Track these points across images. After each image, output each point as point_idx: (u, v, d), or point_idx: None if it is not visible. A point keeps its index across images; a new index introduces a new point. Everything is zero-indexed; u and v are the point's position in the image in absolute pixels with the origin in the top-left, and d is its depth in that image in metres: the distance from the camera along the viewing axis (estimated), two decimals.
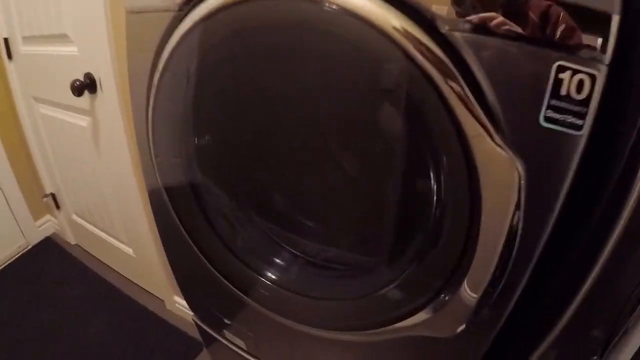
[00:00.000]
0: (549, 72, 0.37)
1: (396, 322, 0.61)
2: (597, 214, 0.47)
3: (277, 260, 0.76)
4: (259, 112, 0.65)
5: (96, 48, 1.02)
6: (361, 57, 0.46)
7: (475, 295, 0.53)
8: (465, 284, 0.54)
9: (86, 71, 1.09)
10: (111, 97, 1.07)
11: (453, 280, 0.53)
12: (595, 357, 0.51)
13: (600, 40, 0.36)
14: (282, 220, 0.76)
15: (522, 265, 0.49)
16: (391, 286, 0.59)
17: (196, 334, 1.42)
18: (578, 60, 0.36)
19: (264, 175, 0.74)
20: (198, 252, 0.80)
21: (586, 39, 0.36)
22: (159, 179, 0.75)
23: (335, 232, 0.72)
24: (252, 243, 0.78)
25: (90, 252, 1.77)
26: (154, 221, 1.26)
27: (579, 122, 0.38)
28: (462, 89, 0.40)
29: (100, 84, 1.08)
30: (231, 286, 0.81)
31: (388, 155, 0.55)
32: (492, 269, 0.49)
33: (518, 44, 0.38)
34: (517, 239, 0.46)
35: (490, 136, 0.41)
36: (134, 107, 0.73)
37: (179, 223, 0.79)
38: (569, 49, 0.37)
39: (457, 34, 0.40)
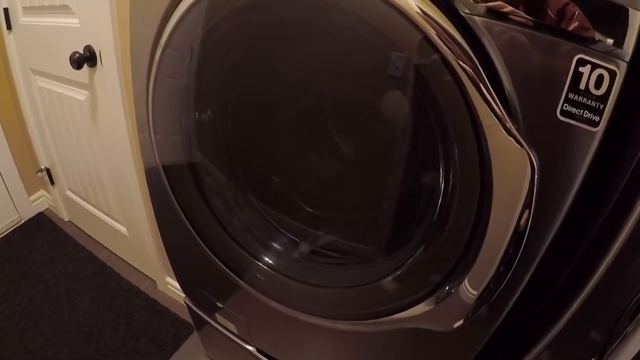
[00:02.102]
0: (570, 64, 0.36)
1: (396, 313, 0.60)
2: (604, 214, 0.46)
3: (275, 245, 0.75)
4: (262, 90, 0.64)
5: (98, 20, 1.00)
6: (375, 37, 0.45)
7: (475, 292, 0.52)
8: (467, 279, 0.53)
9: (86, 44, 1.07)
10: (111, 71, 1.05)
11: (456, 273, 0.52)
12: (593, 359, 0.51)
13: (622, 36, 0.35)
14: (281, 204, 0.75)
15: (527, 261, 0.48)
16: (391, 276, 0.58)
17: (187, 317, 1.42)
18: (599, 55, 0.35)
19: (264, 156, 0.72)
20: (193, 232, 0.79)
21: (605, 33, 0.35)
22: (157, 157, 0.74)
23: (337, 219, 0.71)
24: (249, 225, 0.77)
25: (83, 229, 1.75)
26: (149, 200, 1.25)
27: (596, 118, 0.37)
28: (479, 74, 0.39)
29: (101, 58, 1.05)
30: (225, 268, 0.80)
31: (396, 142, 0.54)
32: (497, 264, 0.48)
33: (539, 34, 0.37)
34: (526, 233, 0.45)
35: (505, 126, 0.40)
36: (134, 83, 0.71)
37: (175, 202, 0.77)
38: (588, 41, 0.35)
39: (477, 19, 0.38)
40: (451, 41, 0.39)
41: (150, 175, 0.81)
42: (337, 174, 0.65)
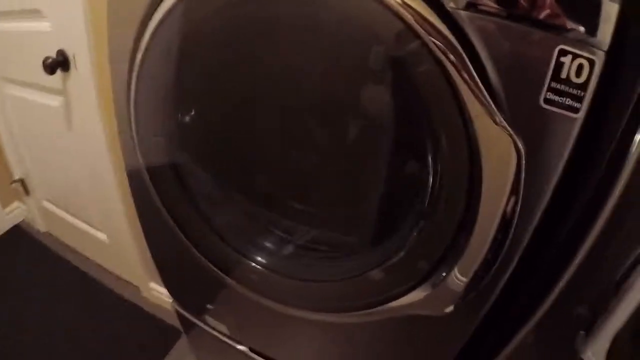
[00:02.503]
0: (552, 55, 0.39)
1: (390, 302, 0.61)
2: (587, 195, 0.49)
3: (264, 242, 0.75)
4: (244, 88, 0.64)
5: (70, 23, 0.98)
6: (358, 32, 0.46)
7: (464, 279, 0.55)
8: (457, 266, 0.55)
9: (59, 48, 1.04)
10: (86, 75, 1.03)
11: (447, 260, 0.54)
12: (582, 332, 0.53)
13: (596, 25, 0.37)
14: (270, 201, 0.75)
15: (514, 245, 0.51)
16: (383, 266, 0.60)
17: (173, 321, 1.41)
18: (579, 45, 0.38)
19: (249, 153, 0.72)
20: (179, 232, 0.78)
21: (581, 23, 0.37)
22: (140, 158, 0.73)
23: (326, 213, 0.72)
24: (236, 223, 0.77)
25: (62, 240, 1.71)
26: (130, 205, 1.23)
27: (577, 104, 0.40)
28: (466, 66, 0.40)
29: (75, 61, 1.03)
30: (214, 268, 0.80)
31: (385, 134, 0.55)
32: (486, 249, 0.50)
33: (521, 26, 0.39)
34: (515, 217, 0.47)
35: (493, 115, 0.41)
36: (114, 84, 0.70)
37: (159, 202, 0.77)
38: (562, 30, 0.38)
39: (462, 13, 0.40)
40: (436, 33, 0.40)
41: (133, 177, 0.80)
42: (325, 168, 0.66)
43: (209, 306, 1.00)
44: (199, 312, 1.06)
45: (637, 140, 0.41)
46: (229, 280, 0.81)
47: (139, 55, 0.61)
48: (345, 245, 0.71)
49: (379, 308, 0.65)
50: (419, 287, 0.60)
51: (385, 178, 0.60)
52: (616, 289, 0.48)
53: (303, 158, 0.67)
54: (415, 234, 0.57)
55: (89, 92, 1.05)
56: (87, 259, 1.65)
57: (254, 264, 0.75)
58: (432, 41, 0.40)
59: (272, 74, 0.60)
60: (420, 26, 0.41)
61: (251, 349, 1.03)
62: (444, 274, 0.56)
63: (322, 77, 0.57)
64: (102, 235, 1.50)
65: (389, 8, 0.41)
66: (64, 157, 1.35)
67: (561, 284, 0.52)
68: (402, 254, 0.59)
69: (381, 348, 0.81)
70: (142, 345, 1.39)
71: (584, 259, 0.49)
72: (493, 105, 0.41)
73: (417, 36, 0.41)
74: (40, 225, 1.74)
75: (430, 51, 0.41)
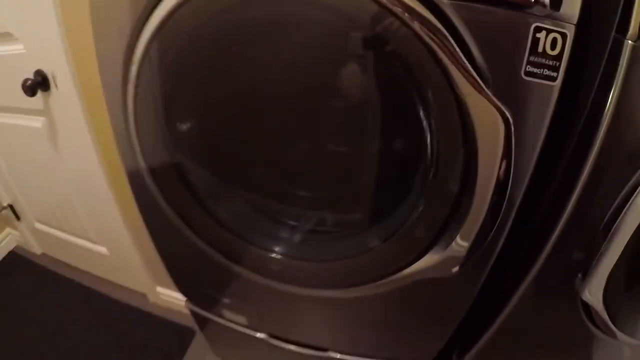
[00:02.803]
0: (528, 32, 0.43)
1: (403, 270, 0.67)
2: (569, 154, 0.54)
3: (276, 232, 0.78)
4: (239, 84, 0.65)
5: (44, 42, 0.97)
6: (344, 21, 0.49)
7: (466, 244, 0.61)
8: (460, 231, 0.60)
9: (36, 68, 1.03)
10: (69, 92, 1.02)
11: (451, 226, 0.59)
12: (579, 275, 0.59)
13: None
14: (272, 192, 0.78)
15: (511, 204, 0.56)
16: (394, 237, 0.65)
17: (186, 321, 1.44)
18: (551, 22, 0.43)
19: (248, 147, 0.74)
20: (187, 228, 0.80)
21: None
22: (141, 162, 0.73)
23: (331, 195, 0.75)
24: (242, 215, 0.79)
25: (60, 259, 1.70)
26: (127, 214, 1.25)
27: (554, 74, 0.45)
28: (454, 49, 0.45)
29: (55, 81, 1.03)
30: (224, 259, 0.82)
31: (379, 115, 0.59)
32: (485, 210, 0.56)
33: (499, 9, 0.44)
34: (510, 180, 0.52)
35: (482, 90, 0.46)
36: (108, 96, 0.70)
37: (164, 203, 0.78)
38: (532, 6, 0.42)
39: (446, 2, 0.44)
40: (426, 21, 0.44)
41: (135, 181, 0.80)
42: (325, 153, 0.69)
43: (223, 300, 1.01)
44: (213, 307, 1.08)
45: (611, 97, 0.46)
46: (240, 270, 0.84)
47: (134, 67, 0.62)
48: (353, 224, 0.75)
49: (393, 277, 0.70)
50: (427, 254, 0.65)
51: (385, 157, 0.64)
52: (605, 233, 0.53)
53: (302, 146, 0.70)
54: (419, 205, 0.61)
55: (73, 109, 1.05)
56: (89, 274, 1.64)
57: (265, 252, 0.78)
58: (423, 29, 0.44)
59: (265, 69, 0.62)
60: (409, 14, 0.44)
61: (270, 335, 1.07)
62: (450, 238, 0.61)
63: (315, 66, 0.59)
64: (101, 249, 1.50)
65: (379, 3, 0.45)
66: (52, 177, 1.34)
67: (556, 233, 0.58)
68: (408, 225, 0.64)
69: (392, 317, 0.87)
70: (160, 350, 1.41)
71: (573, 208, 0.55)
72: (481, 82, 0.45)
73: (407, 25, 0.45)
74: (35, 248, 1.72)
75: (422, 38, 0.45)
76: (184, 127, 0.72)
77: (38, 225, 1.61)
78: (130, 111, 0.68)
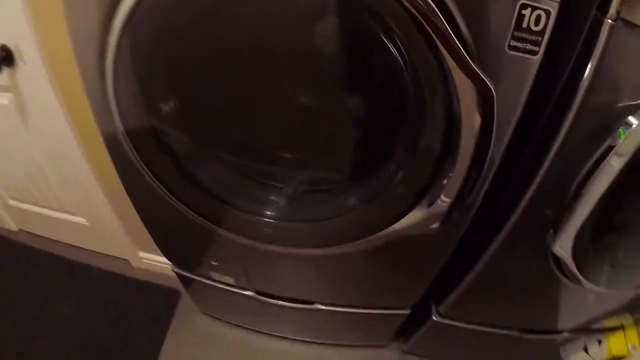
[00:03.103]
0: (514, 9, 0.46)
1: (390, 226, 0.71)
2: (546, 120, 0.59)
3: (265, 196, 0.80)
4: (221, 46, 0.65)
5: (8, 17, 0.91)
6: None
7: (448, 200, 0.65)
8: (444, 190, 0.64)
9: (0, 44, 0.98)
10: (36, 66, 0.98)
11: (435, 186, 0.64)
12: (551, 230, 0.66)
13: None
14: (264, 155, 0.79)
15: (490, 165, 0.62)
16: (384, 193, 0.69)
17: (169, 283, 1.47)
18: None
19: (226, 107, 0.74)
20: (167, 192, 0.79)
21: None
22: (119, 125, 0.71)
23: (320, 155, 0.78)
24: (223, 177, 0.80)
25: (38, 234, 1.66)
26: (105, 182, 1.23)
27: (536, 48, 0.49)
28: (443, 23, 0.47)
29: (21, 55, 0.98)
30: (206, 222, 0.84)
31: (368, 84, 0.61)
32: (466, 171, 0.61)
33: None
34: (491, 146, 0.56)
35: (467, 63, 0.49)
36: (82, 66, 0.67)
37: (143, 166, 0.76)
38: None
39: None
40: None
41: (114, 149, 0.77)
42: (310, 111, 0.71)
43: (209, 261, 1.04)
44: (199, 269, 1.10)
45: (588, 69, 0.50)
46: (224, 232, 0.86)
47: (113, 37, 0.59)
48: (340, 183, 0.78)
49: (376, 235, 0.75)
50: (410, 212, 0.70)
51: (369, 116, 0.67)
52: (576, 194, 0.59)
53: (282, 104, 0.71)
54: (403, 165, 0.66)
55: (42, 83, 1.01)
56: (69, 245, 1.63)
57: (248, 214, 0.80)
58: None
59: (242, 26, 0.61)
60: None
61: (257, 292, 1.12)
62: (433, 198, 0.66)
63: (294, 22, 0.59)
64: (80, 219, 1.48)
65: None
66: (23, 153, 1.29)
67: (530, 190, 0.64)
68: (391, 185, 0.69)
69: (374, 270, 0.93)
70: (146, 314, 1.44)
71: (547, 168, 0.60)
72: (467, 55, 0.48)
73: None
74: (11, 225, 1.68)
75: (413, 15, 0.47)
76: (166, 93, 0.70)
77: (12, 202, 1.56)
78: (110, 81, 0.65)
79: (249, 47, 0.63)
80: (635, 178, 0.59)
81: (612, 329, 1.10)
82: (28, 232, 1.69)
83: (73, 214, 1.49)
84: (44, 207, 1.51)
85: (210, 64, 0.67)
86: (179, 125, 0.73)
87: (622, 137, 0.52)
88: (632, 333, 1.09)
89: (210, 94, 0.72)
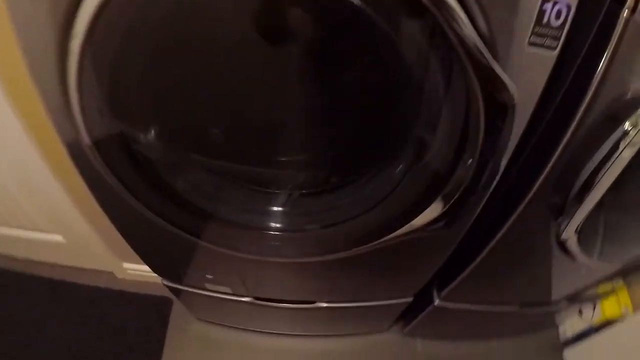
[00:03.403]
0: (536, 4, 0.44)
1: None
2: (558, 114, 0.58)
3: (269, 207, 0.77)
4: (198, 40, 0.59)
5: None
6: None
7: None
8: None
9: None
10: None
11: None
12: (559, 218, 0.66)
13: None
14: (265, 160, 0.76)
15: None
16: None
17: (158, 291, 1.42)
18: None
19: (206, 108, 0.69)
20: (143, 206, 0.74)
21: None
22: (85, 138, 0.63)
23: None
24: (203, 186, 0.76)
25: (14, 256, 1.57)
26: (77, 196, 1.16)
27: (555, 43, 0.46)
28: (465, 25, 0.44)
29: None
30: (183, 233, 0.79)
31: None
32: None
33: None
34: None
35: (487, 61, 0.46)
36: (37, 81, 0.59)
37: (113, 177, 0.69)
38: None
39: None
40: None
41: (79, 159, 0.69)
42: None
43: (200, 273, 1.00)
44: (190, 281, 1.07)
45: (603, 60, 0.49)
46: (210, 245, 0.82)
47: (75, 42, 0.51)
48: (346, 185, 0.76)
49: (387, 237, 0.73)
50: (420, 214, 0.68)
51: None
52: (585, 184, 0.59)
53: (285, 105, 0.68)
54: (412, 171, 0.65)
55: None
56: (48, 264, 1.55)
57: (228, 226, 0.77)
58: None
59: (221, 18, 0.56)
60: None
61: (255, 298, 1.09)
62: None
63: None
64: (56, 237, 1.41)
65: None
66: None
67: (539, 180, 0.63)
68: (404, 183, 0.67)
69: (376, 269, 0.92)
70: (140, 327, 1.40)
71: (557, 158, 0.59)
72: (487, 52, 0.46)
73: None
74: None
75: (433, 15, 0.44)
76: (138, 98, 0.63)
77: None
78: (73, 87, 0.56)
79: (232, 39, 0.58)
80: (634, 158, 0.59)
81: (606, 294, 1.14)
82: (4, 255, 1.59)
83: (48, 232, 1.41)
84: (17, 227, 1.42)
85: (183, 64, 0.61)
86: (154, 133, 0.68)
87: (638, 127, 0.51)
88: (624, 295, 1.13)
89: (187, 97, 0.66)
